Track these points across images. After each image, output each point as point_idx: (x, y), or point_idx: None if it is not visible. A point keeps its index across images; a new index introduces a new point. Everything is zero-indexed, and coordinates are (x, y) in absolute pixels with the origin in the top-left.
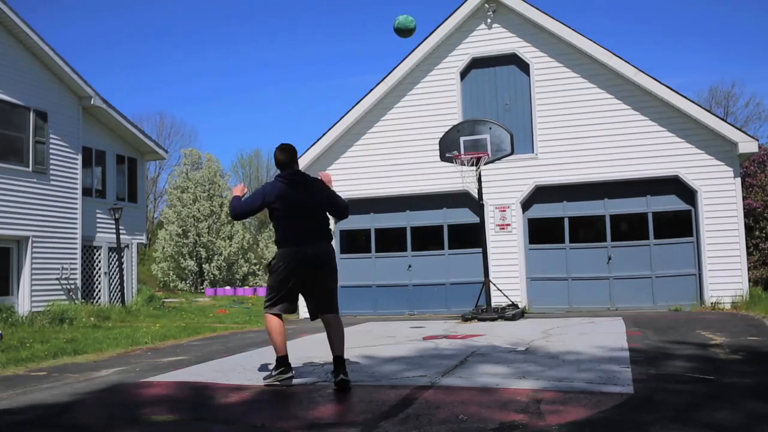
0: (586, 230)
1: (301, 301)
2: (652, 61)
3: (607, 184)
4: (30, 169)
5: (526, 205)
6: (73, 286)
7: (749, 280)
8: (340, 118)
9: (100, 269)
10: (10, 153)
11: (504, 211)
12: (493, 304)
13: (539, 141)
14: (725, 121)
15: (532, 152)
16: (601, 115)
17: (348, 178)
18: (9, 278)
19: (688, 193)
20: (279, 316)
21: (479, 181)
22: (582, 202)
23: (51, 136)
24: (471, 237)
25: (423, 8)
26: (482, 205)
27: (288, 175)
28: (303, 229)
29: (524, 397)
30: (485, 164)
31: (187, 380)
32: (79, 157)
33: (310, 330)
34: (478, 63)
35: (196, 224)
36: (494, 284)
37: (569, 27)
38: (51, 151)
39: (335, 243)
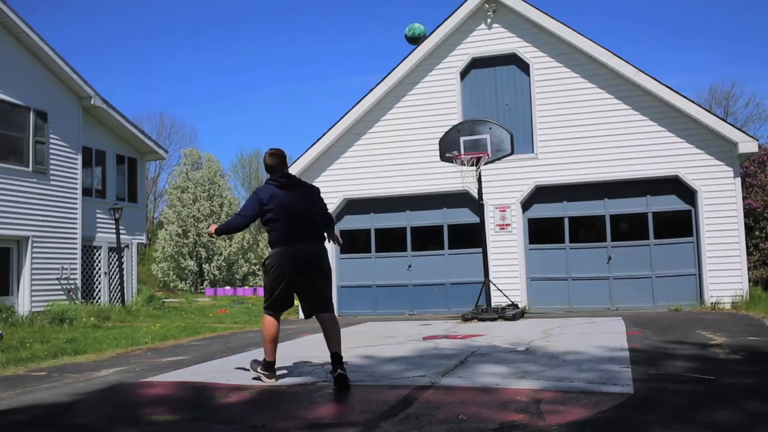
0: (586, 230)
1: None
2: (652, 61)
3: (607, 184)
4: (30, 169)
5: (526, 205)
6: (73, 286)
7: (749, 280)
8: (340, 118)
9: (100, 269)
10: (10, 153)
11: (504, 211)
12: (493, 304)
13: (539, 141)
14: (725, 121)
15: (532, 152)
16: (601, 115)
17: (348, 178)
18: (9, 278)
19: (688, 193)
20: (277, 317)
21: (479, 181)
22: (582, 202)
23: (51, 136)
24: (471, 237)
25: (423, 8)
26: (482, 205)
27: (278, 177)
28: (295, 230)
29: (524, 397)
30: (485, 164)
31: (187, 380)
32: (79, 157)
33: (310, 330)
34: (478, 63)
35: (196, 224)
36: (494, 284)
37: (569, 27)
38: (51, 151)
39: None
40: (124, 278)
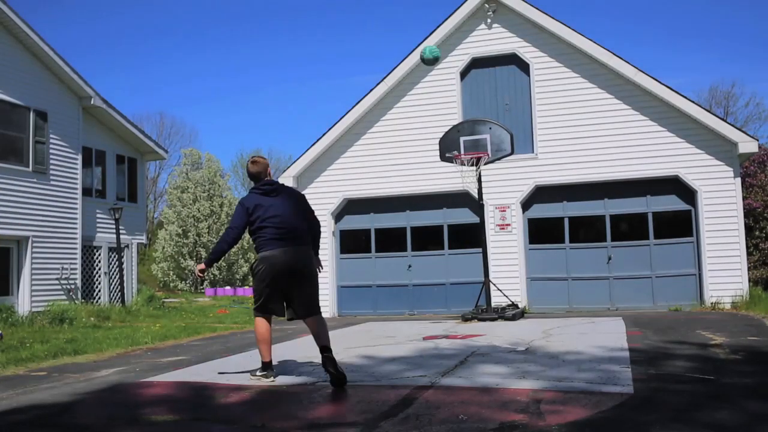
0: (586, 230)
1: None
2: (652, 61)
3: (607, 184)
4: (30, 169)
5: (526, 205)
6: (73, 286)
7: (749, 280)
8: (340, 118)
9: (100, 269)
10: (10, 153)
11: (504, 211)
12: (493, 304)
13: (539, 141)
14: (725, 121)
15: (532, 152)
16: (601, 115)
17: (348, 178)
18: (9, 278)
19: (688, 193)
20: (268, 319)
21: (479, 181)
22: (582, 202)
23: (51, 136)
24: (471, 237)
25: (423, 8)
26: (482, 205)
27: (262, 185)
28: (282, 235)
29: (524, 397)
30: (485, 164)
31: (187, 380)
32: (79, 157)
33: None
34: (478, 63)
35: (196, 224)
36: (494, 284)
37: (569, 27)
38: (51, 151)
39: (335, 243)
40: (124, 278)
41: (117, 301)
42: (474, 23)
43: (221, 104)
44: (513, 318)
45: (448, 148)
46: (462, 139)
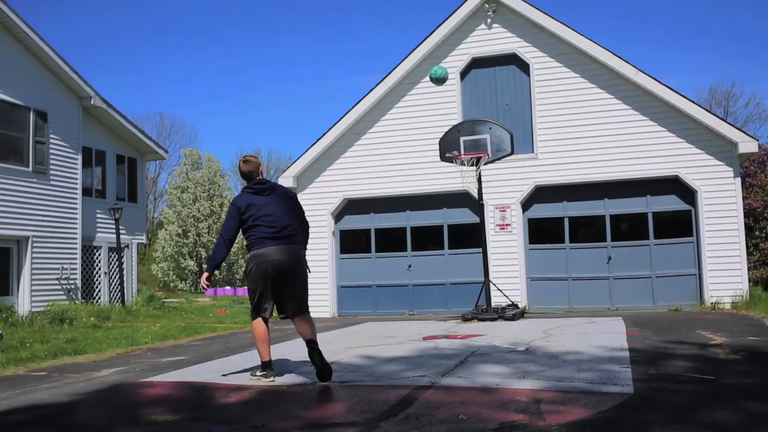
0: (586, 230)
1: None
2: (652, 61)
3: (607, 184)
4: (30, 169)
5: (526, 205)
6: (73, 286)
7: (749, 280)
8: (340, 118)
9: (100, 269)
10: (10, 153)
11: (504, 211)
12: (493, 304)
13: (539, 141)
14: (725, 121)
15: (532, 152)
16: (601, 115)
17: (348, 178)
18: (9, 278)
19: (688, 193)
20: (265, 319)
21: (479, 181)
22: (582, 202)
23: (51, 136)
24: (471, 237)
25: (423, 8)
26: (482, 205)
27: (253, 184)
28: (273, 234)
29: (524, 397)
30: (485, 164)
31: (187, 380)
32: (79, 157)
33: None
34: (478, 63)
35: (196, 224)
36: (494, 284)
37: (569, 27)
38: (51, 151)
39: (335, 243)
40: (124, 278)
41: (117, 301)
42: (474, 23)
43: (221, 104)
44: (513, 318)
45: (448, 148)
46: (462, 139)
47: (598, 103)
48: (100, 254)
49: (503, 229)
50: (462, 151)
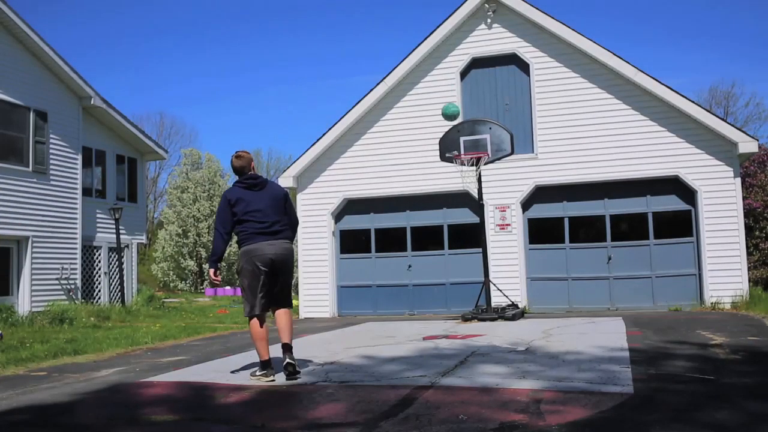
0: (586, 230)
1: (307, 304)
2: (652, 61)
3: (607, 184)
4: (30, 169)
5: (526, 205)
6: (73, 286)
7: (749, 280)
8: (340, 118)
9: (100, 269)
10: (10, 153)
11: (504, 211)
12: (493, 304)
13: (539, 141)
14: (725, 121)
15: (532, 152)
16: (601, 115)
17: (348, 178)
18: (9, 278)
19: (688, 193)
20: (261, 316)
21: (479, 181)
22: (582, 202)
23: (51, 136)
24: (471, 237)
25: (423, 8)
26: (482, 205)
27: (245, 179)
28: (263, 228)
29: (524, 397)
30: (485, 164)
31: (187, 380)
32: (79, 157)
33: (310, 330)
34: (478, 63)
35: (196, 224)
36: (494, 284)
37: (569, 27)
38: (51, 151)
39: (335, 243)
40: (124, 278)
41: (117, 301)
42: (474, 23)
43: (221, 104)
44: (513, 318)
45: (448, 148)
46: (462, 139)
47: (598, 103)
48: (100, 254)
49: (503, 229)
50: (462, 151)
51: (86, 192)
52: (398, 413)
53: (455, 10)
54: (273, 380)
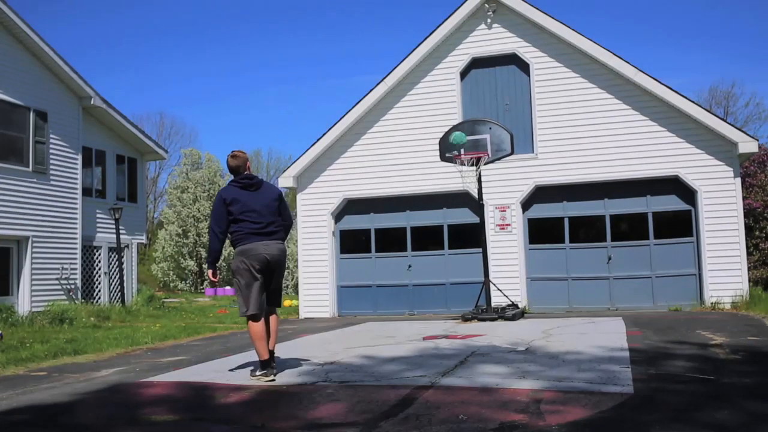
0: (586, 230)
1: (307, 304)
2: (652, 61)
3: (607, 184)
4: (30, 169)
5: (526, 205)
6: (73, 286)
7: (749, 280)
8: (340, 118)
9: (100, 269)
10: (10, 153)
11: (504, 211)
12: (493, 304)
13: (539, 141)
14: (725, 121)
15: (532, 152)
16: (601, 115)
17: (348, 178)
18: (9, 278)
19: (688, 193)
20: (259, 316)
21: (479, 181)
22: (582, 202)
23: (51, 136)
24: (471, 237)
25: (423, 8)
26: (482, 205)
27: (240, 179)
28: (257, 228)
29: (524, 397)
30: (485, 164)
31: (187, 380)
32: (79, 157)
33: (310, 330)
34: (478, 63)
35: (196, 224)
36: (494, 284)
37: (569, 27)
38: (51, 151)
39: (335, 243)
40: (124, 278)
41: (117, 301)
42: (474, 23)
43: (221, 104)
44: (513, 318)
45: (448, 148)
46: None
47: (598, 103)
48: (100, 254)
49: (503, 229)
50: (462, 151)
51: (86, 192)
52: (398, 413)
53: (455, 10)
54: (273, 380)
